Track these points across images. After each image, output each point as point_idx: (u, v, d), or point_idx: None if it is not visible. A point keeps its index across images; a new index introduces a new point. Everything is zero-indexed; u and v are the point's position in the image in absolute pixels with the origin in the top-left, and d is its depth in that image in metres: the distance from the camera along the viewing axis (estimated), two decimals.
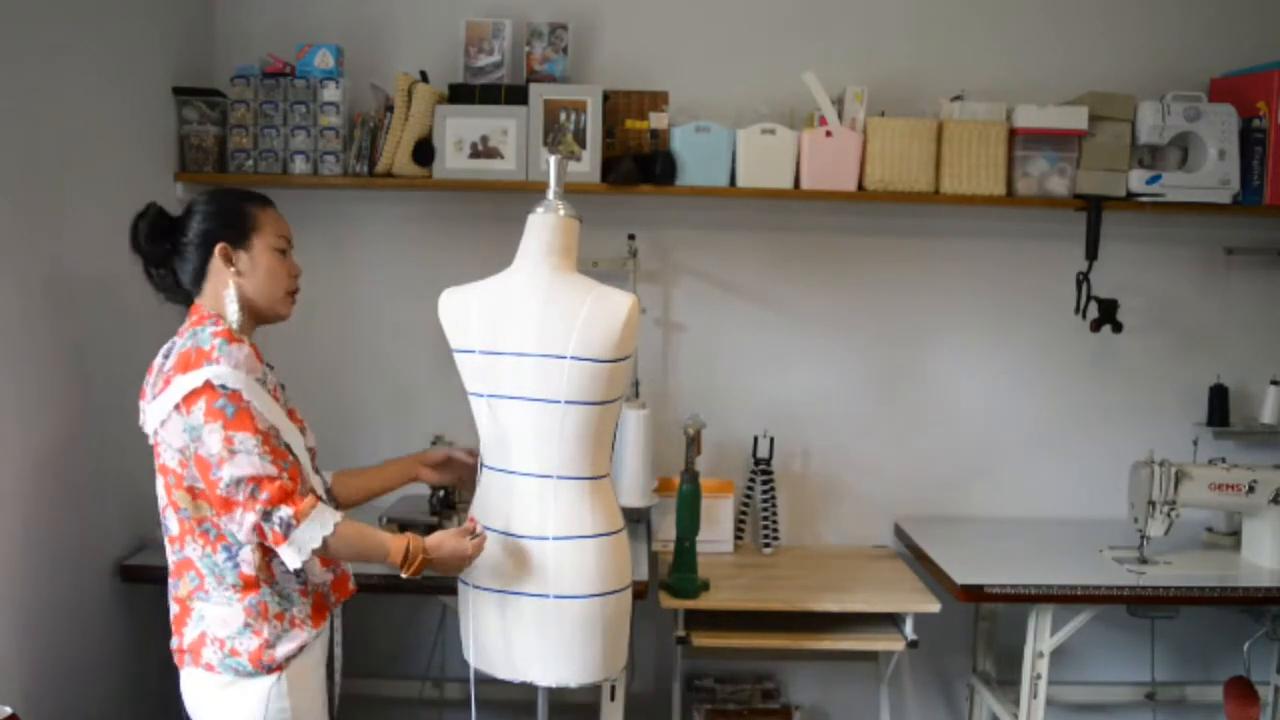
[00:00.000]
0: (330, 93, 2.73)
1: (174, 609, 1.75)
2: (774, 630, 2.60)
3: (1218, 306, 3.05)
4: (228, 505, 1.60)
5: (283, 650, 1.68)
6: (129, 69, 2.51)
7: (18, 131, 2.07)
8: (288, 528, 1.61)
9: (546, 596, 1.93)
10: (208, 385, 1.59)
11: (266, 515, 1.59)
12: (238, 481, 1.59)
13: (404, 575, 1.80)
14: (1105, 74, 2.90)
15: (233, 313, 1.70)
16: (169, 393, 1.63)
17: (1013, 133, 2.76)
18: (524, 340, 1.88)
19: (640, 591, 2.42)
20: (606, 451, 1.96)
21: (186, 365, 1.63)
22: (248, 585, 1.67)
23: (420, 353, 2.91)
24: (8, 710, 1.83)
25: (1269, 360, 3.03)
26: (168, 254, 1.74)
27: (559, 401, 1.87)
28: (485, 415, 1.97)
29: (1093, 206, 2.80)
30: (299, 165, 2.74)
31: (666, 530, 2.89)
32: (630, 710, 3.03)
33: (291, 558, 1.62)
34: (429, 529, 2.49)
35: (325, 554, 1.66)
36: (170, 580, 1.75)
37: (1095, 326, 2.87)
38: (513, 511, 1.95)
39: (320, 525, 1.64)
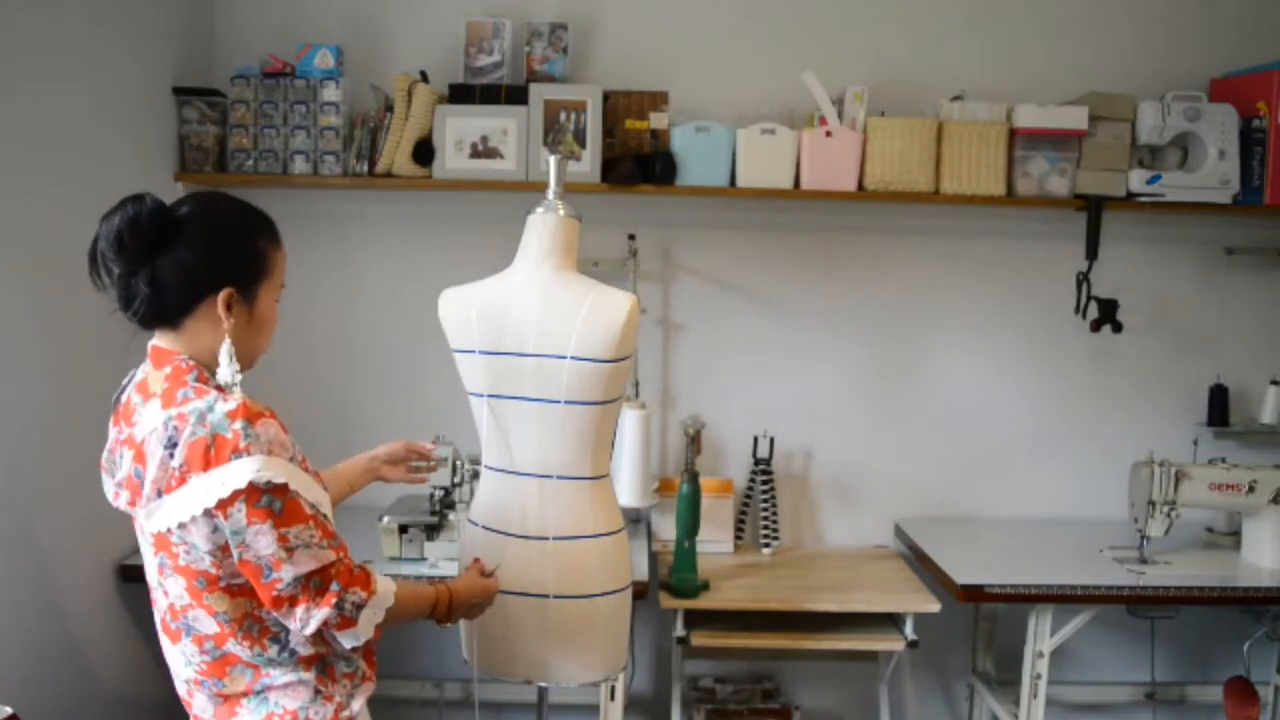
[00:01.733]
0: (330, 93, 2.73)
1: (214, 704, 1.51)
2: (774, 630, 2.60)
3: (1218, 306, 3.06)
4: (284, 603, 1.40)
5: (356, 706, 1.54)
6: (129, 69, 2.51)
7: (17, 131, 2.07)
8: (357, 609, 1.44)
9: (546, 597, 1.93)
10: (250, 487, 1.35)
11: (340, 604, 1.42)
12: (299, 579, 1.39)
13: (443, 625, 1.73)
14: (1105, 74, 2.90)
15: (230, 375, 1.43)
16: (189, 494, 1.36)
17: (1013, 133, 2.76)
18: (524, 340, 1.88)
19: (640, 591, 2.42)
20: (606, 452, 1.95)
21: (206, 460, 1.35)
22: (311, 658, 1.50)
23: (421, 353, 2.91)
24: (8, 710, 1.83)
25: (1269, 360, 3.03)
26: (145, 262, 1.41)
27: (559, 401, 1.87)
28: (485, 415, 1.97)
29: (1093, 206, 2.80)
30: (299, 165, 2.74)
31: (666, 530, 2.89)
32: (630, 710, 3.04)
33: (354, 639, 1.47)
34: (430, 529, 2.50)
35: (382, 626, 1.50)
36: (205, 679, 1.49)
37: (1095, 326, 2.88)
38: (512, 511, 1.95)
39: (385, 599, 1.49)
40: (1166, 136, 2.77)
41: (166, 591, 1.47)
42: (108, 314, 1.48)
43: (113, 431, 1.49)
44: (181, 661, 1.51)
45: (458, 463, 2.49)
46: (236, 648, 1.46)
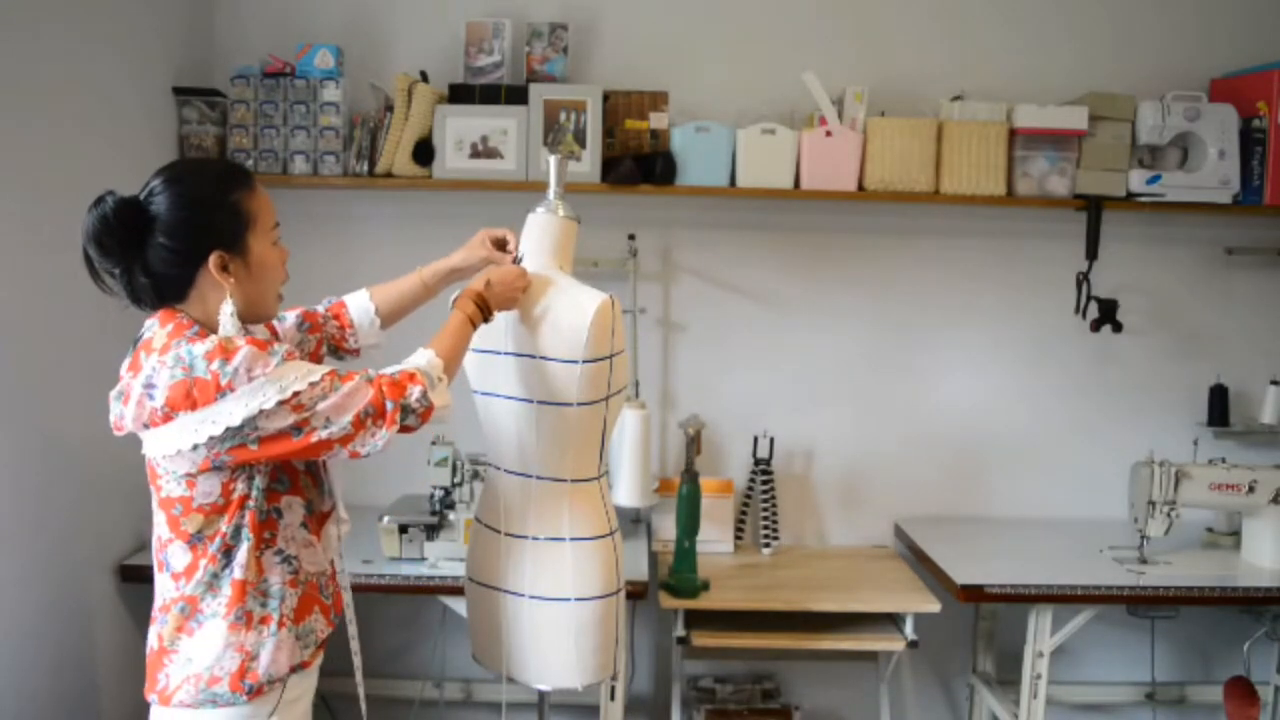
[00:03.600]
0: (330, 93, 2.73)
1: (154, 645, 1.56)
2: (774, 630, 2.60)
3: (1218, 306, 3.05)
4: (332, 444, 1.48)
5: (266, 658, 1.52)
6: (129, 69, 2.51)
7: (17, 131, 2.07)
8: (424, 399, 1.54)
9: (523, 595, 1.92)
10: (245, 421, 1.41)
11: (404, 414, 1.52)
12: (348, 427, 1.47)
13: (490, 320, 1.78)
14: (1105, 74, 2.90)
15: (232, 329, 1.48)
16: (177, 428, 1.42)
17: (1013, 133, 2.76)
18: (503, 339, 1.88)
19: (640, 591, 2.42)
20: (592, 455, 1.91)
21: (191, 401, 1.40)
22: (236, 594, 1.51)
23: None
24: None
25: (1269, 360, 3.03)
26: (133, 256, 1.46)
27: (531, 401, 1.86)
28: (482, 412, 1.98)
29: (1093, 206, 2.80)
30: (299, 165, 2.74)
31: (666, 530, 2.89)
32: (630, 710, 3.04)
33: (443, 410, 1.58)
34: (430, 529, 2.51)
35: (451, 372, 1.64)
36: (157, 618, 1.56)
37: (1095, 326, 2.88)
38: (499, 508, 1.96)
39: (434, 370, 1.58)
40: (1166, 136, 2.77)
41: (155, 523, 1.55)
42: (122, 310, 1.52)
43: (125, 376, 1.51)
44: (157, 591, 1.57)
45: (458, 463, 2.49)
46: (199, 575, 1.51)
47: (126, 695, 2.45)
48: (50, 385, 2.19)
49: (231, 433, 1.42)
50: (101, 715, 2.37)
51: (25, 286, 2.10)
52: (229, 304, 1.49)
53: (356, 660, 1.80)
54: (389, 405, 1.51)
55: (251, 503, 1.52)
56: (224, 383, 1.40)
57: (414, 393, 1.54)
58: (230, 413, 1.40)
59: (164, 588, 1.55)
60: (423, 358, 1.62)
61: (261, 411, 1.41)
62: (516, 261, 1.92)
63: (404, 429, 1.54)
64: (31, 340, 2.13)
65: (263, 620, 1.54)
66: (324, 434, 1.47)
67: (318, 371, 1.48)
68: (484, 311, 1.76)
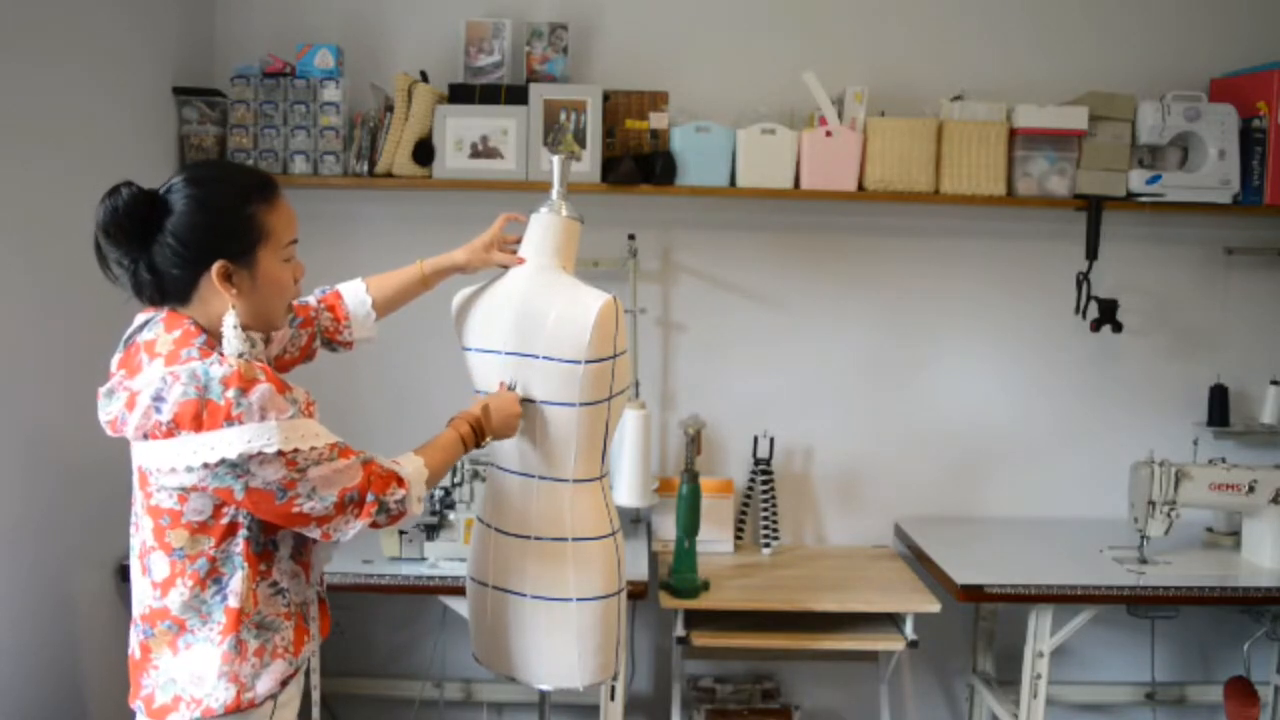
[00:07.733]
0: (330, 93, 2.73)
1: (137, 654, 1.54)
2: (774, 630, 2.60)
3: (1218, 306, 3.06)
4: (309, 520, 1.47)
5: (263, 687, 1.51)
6: (129, 69, 2.51)
7: (17, 132, 2.07)
8: (401, 504, 1.55)
9: (524, 595, 1.92)
10: (240, 458, 1.38)
11: (380, 510, 1.52)
12: (330, 508, 1.47)
13: (483, 445, 1.80)
14: (1105, 74, 2.90)
15: (234, 345, 1.44)
16: (176, 447, 1.39)
17: (1013, 133, 2.76)
18: (505, 339, 1.88)
19: (640, 591, 2.42)
20: (595, 455, 1.90)
21: (198, 423, 1.37)
22: (230, 623, 1.48)
23: (421, 353, 2.91)
24: None
25: (1269, 360, 3.04)
26: (138, 251, 1.44)
27: (534, 401, 1.87)
28: None
29: (1093, 206, 2.80)
30: (299, 165, 2.74)
31: (666, 530, 2.89)
32: (630, 710, 3.04)
33: (411, 520, 1.59)
34: (430, 529, 2.51)
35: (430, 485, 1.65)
36: (142, 621, 1.53)
37: (1095, 326, 2.88)
38: (500, 507, 1.96)
39: (418, 479, 1.59)
40: (1166, 136, 2.77)
41: (139, 526, 1.52)
42: (124, 302, 1.50)
43: (118, 373, 1.49)
44: (137, 595, 1.54)
45: (458, 462, 2.49)
46: (177, 593, 1.48)
47: (126, 695, 2.45)
48: (51, 385, 2.18)
49: (226, 466, 1.39)
50: (101, 715, 2.37)
51: (29, 288, 2.10)
52: (232, 315, 1.45)
53: (315, 678, 1.78)
54: (369, 498, 1.51)
55: (245, 531, 1.48)
56: (235, 413, 1.37)
57: (396, 494, 1.54)
58: (230, 444, 1.37)
59: (143, 593, 1.52)
60: (411, 465, 1.61)
61: (260, 453, 1.38)
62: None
63: (373, 525, 1.53)
64: (35, 342, 2.13)
65: (257, 653, 1.51)
66: (305, 507, 1.45)
67: (323, 438, 1.46)
68: (478, 436, 1.77)
